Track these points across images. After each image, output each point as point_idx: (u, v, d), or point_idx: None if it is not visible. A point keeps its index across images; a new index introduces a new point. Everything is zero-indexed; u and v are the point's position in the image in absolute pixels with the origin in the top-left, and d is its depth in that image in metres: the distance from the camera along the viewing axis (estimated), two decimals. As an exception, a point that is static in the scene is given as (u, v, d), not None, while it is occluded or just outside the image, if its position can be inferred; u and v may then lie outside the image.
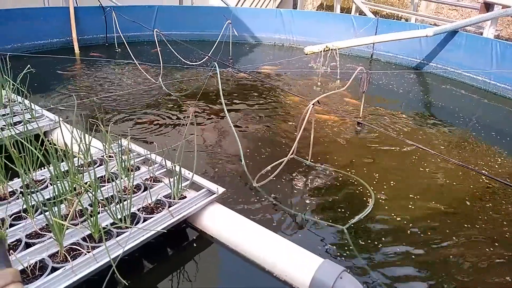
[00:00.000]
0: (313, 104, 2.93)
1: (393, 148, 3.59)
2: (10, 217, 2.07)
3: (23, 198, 2.06)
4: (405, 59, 6.54)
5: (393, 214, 2.67)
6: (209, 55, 5.38)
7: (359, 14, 8.96)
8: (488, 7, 6.56)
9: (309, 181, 3.06)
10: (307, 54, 5.18)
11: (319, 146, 3.55)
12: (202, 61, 5.55)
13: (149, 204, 2.28)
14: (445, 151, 3.63)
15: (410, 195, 2.90)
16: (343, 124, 4.07)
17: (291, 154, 3.01)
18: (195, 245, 2.36)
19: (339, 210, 2.71)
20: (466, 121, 4.45)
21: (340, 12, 9.74)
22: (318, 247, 2.36)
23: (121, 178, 2.37)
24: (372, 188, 2.92)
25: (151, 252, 2.23)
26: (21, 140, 2.28)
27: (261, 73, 5.75)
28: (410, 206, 2.77)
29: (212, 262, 2.29)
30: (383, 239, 2.44)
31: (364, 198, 2.83)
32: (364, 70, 3.71)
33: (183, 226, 2.44)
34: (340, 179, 3.07)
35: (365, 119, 4.18)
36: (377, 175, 3.14)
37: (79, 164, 2.56)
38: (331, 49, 5.14)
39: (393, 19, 10.61)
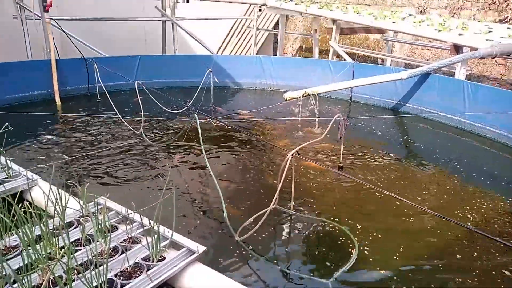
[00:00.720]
0: (292, 155, 2.96)
1: (376, 194, 3.60)
2: (-23, 291, 1.97)
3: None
4: (383, 100, 6.73)
5: (377, 266, 2.64)
6: (188, 105, 5.44)
7: (336, 57, 9.29)
8: (457, 48, 6.90)
9: (292, 231, 3.03)
10: (286, 100, 5.29)
11: (302, 195, 3.54)
12: (182, 109, 5.61)
13: (127, 269, 2.21)
14: (428, 196, 3.64)
15: (394, 245, 2.88)
16: (326, 171, 4.09)
17: (273, 204, 3.00)
18: (175, 309, 2.28)
19: (323, 262, 2.67)
20: (447, 161, 4.52)
21: (319, 54, 10.09)
22: (303, 304, 2.30)
23: (97, 241, 2.30)
24: (355, 238, 2.89)
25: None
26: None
27: (241, 121, 5.82)
28: (395, 258, 2.74)
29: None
30: (368, 291, 2.40)
31: (348, 249, 2.79)
32: (341, 117, 3.79)
33: (163, 289, 2.35)
34: (323, 228, 3.05)
35: (346, 164, 4.21)
36: (360, 224, 3.12)
37: (54, 226, 2.48)
38: (310, 94, 5.26)
39: (370, 59, 11.04)
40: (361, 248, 2.79)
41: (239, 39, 13.64)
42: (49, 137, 4.94)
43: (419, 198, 3.55)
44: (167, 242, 2.42)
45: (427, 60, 10.46)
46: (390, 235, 3.03)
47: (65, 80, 6.58)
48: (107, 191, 2.91)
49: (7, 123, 3.45)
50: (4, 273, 1.98)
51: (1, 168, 3.34)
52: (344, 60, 7.98)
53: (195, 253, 2.38)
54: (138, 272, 2.20)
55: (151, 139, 4.75)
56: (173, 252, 2.41)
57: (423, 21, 7.09)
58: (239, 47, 13.56)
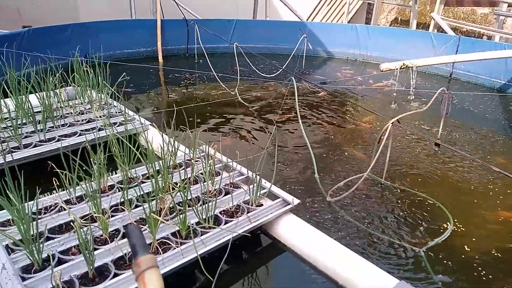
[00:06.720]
0: (392, 123, 2.92)
1: (474, 173, 3.43)
2: (110, 208, 2.32)
3: (122, 192, 2.31)
4: (488, 79, 6.18)
5: (472, 241, 2.56)
6: (283, 67, 5.53)
7: (437, 31, 8.64)
8: None
9: (383, 199, 3.03)
10: (383, 71, 5.12)
11: (395, 165, 3.50)
12: (276, 73, 5.71)
13: (230, 208, 2.42)
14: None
15: (491, 225, 2.76)
16: (420, 144, 3.97)
17: (368, 170, 3.01)
18: (268, 251, 2.46)
19: (415, 232, 2.65)
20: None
21: (416, 27, 9.46)
22: (392, 267, 2.34)
23: (206, 181, 2.54)
24: (450, 213, 2.82)
25: (229, 253, 2.35)
26: (122, 139, 2.55)
27: (335, 88, 5.78)
28: (491, 236, 2.64)
29: (284, 269, 2.37)
30: (460, 265, 2.35)
31: (441, 223, 2.74)
32: (446, 91, 3.60)
33: (258, 232, 2.54)
34: (416, 201, 3.00)
35: (443, 141, 4.03)
36: (455, 200, 3.02)
37: (167, 165, 2.78)
38: (409, 67, 5.03)
39: (474, 36, 10.08)
40: (456, 225, 2.72)
41: (330, 8, 13.23)
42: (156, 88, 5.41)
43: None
44: (265, 191, 2.59)
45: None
46: (486, 213, 2.90)
47: (165, 39, 7.03)
48: (209, 141, 3.15)
49: (124, 73, 3.84)
50: (129, 197, 2.31)
51: (119, 112, 3.77)
52: (446, 34, 7.40)
53: (289, 204, 2.52)
54: (239, 213, 2.41)
55: (246, 101, 4.94)
56: (269, 201, 2.57)
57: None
58: (329, 16, 13.17)
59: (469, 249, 2.51)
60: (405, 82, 5.37)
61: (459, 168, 3.53)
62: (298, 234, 2.38)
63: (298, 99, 3.43)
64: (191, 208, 2.29)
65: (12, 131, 3.04)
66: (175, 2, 7.36)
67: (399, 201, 3.00)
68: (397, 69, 5.03)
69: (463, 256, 2.46)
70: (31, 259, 1.89)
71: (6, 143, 2.94)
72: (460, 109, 5.23)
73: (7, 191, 2.00)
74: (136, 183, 2.54)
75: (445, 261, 2.40)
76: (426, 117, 4.66)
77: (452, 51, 6.25)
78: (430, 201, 2.97)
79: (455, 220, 2.76)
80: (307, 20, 12.52)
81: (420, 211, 2.89)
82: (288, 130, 4.27)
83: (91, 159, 2.44)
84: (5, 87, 3.46)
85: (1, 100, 3.40)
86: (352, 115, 4.78)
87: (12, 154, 2.86)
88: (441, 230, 2.65)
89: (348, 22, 11.53)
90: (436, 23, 8.70)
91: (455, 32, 8.51)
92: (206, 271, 2.02)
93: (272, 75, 5.68)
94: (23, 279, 1.81)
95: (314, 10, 13.34)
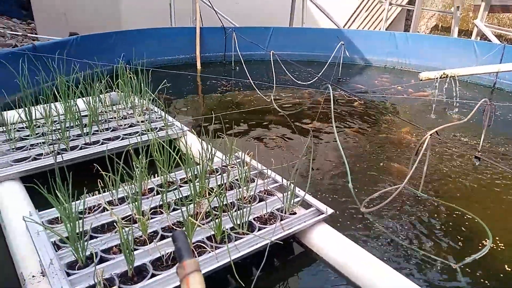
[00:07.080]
0: (430, 135, 2.86)
1: (517, 188, 3.29)
2: (149, 210, 2.42)
3: (161, 195, 2.40)
4: (536, 90, 5.90)
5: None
6: (319, 75, 5.53)
7: (480, 39, 8.35)
8: None
9: (419, 212, 2.97)
10: (422, 80, 5.01)
11: (431, 178, 3.42)
12: (312, 81, 5.72)
13: (263, 215, 2.46)
14: None
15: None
16: (460, 157, 3.86)
17: (405, 183, 2.96)
18: (301, 260, 2.47)
19: (451, 247, 2.59)
20: None
21: (458, 35, 9.17)
22: (427, 283, 2.29)
23: (241, 188, 2.60)
24: (489, 228, 2.72)
25: (260, 260, 2.38)
26: (162, 143, 2.66)
27: (372, 97, 5.71)
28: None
29: (317, 279, 2.37)
30: (499, 284, 2.27)
31: (479, 238, 2.65)
32: (488, 102, 3.48)
33: (291, 240, 2.56)
34: (454, 215, 2.92)
35: (483, 154, 3.90)
36: (495, 215, 2.92)
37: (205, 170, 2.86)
38: (450, 76, 4.89)
39: (521, 44, 9.64)
40: (496, 242, 2.62)
41: (367, 14, 13.06)
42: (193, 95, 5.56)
43: None
44: (298, 200, 2.62)
45: None
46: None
47: (204, 47, 7.20)
48: (244, 147, 3.22)
49: (165, 80, 3.99)
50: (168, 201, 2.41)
51: (159, 118, 3.91)
52: (490, 41, 7.14)
53: (323, 213, 2.53)
54: (273, 220, 2.44)
55: (281, 108, 4.98)
56: (303, 210, 2.59)
57: None
58: (367, 23, 13.00)
59: (509, 268, 2.42)
60: (446, 92, 5.22)
61: (500, 183, 3.40)
62: (331, 244, 2.39)
63: (333, 108, 3.43)
64: (225, 213, 2.35)
65: (61, 133, 3.23)
66: (214, 10, 7.54)
67: (435, 215, 2.93)
68: (437, 78, 4.90)
69: (501, 275, 2.37)
70: (76, 256, 2.01)
71: (57, 145, 3.14)
72: (503, 121, 5.03)
73: (56, 190, 2.14)
74: (175, 187, 2.64)
75: (482, 279, 2.32)
76: (467, 129, 4.52)
77: (497, 60, 6.02)
78: (468, 216, 2.89)
79: (495, 236, 2.66)
80: (344, 27, 12.43)
81: (458, 226, 2.81)
82: (323, 138, 4.27)
83: (133, 163, 2.56)
84: (55, 92, 3.69)
85: (52, 104, 3.62)
86: (389, 125, 4.71)
87: (62, 155, 3.04)
88: (479, 247, 2.57)
89: (386, 29, 11.34)
90: (479, 30, 8.40)
91: (500, 39, 8.18)
92: (239, 276, 2.06)
93: (308, 82, 5.69)
94: (68, 274, 1.93)
95: (351, 17, 13.22)
